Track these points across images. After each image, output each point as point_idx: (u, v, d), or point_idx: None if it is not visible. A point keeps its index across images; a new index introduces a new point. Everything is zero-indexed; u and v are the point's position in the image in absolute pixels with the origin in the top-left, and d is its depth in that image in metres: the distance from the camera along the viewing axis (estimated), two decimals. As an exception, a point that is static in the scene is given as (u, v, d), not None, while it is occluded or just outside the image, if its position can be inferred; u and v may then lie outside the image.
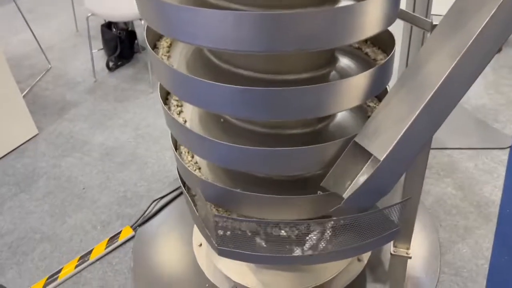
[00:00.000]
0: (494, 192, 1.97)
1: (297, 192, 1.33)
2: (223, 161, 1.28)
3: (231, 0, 1.14)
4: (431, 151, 1.86)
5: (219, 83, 1.08)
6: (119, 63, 3.29)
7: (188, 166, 1.42)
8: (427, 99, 1.07)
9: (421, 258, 1.70)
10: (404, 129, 1.09)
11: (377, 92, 1.24)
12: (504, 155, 2.17)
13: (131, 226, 1.94)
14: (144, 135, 2.55)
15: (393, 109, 1.14)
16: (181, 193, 2.09)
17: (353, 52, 1.40)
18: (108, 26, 3.24)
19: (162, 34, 1.35)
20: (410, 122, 1.08)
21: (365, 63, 1.35)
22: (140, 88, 3.01)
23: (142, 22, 2.85)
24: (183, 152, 1.54)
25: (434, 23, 1.21)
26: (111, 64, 3.25)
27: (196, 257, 1.78)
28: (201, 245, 1.81)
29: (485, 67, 1.11)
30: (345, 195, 1.19)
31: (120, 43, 3.23)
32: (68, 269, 1.79)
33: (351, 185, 1.19)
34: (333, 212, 1.20)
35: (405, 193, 1.44)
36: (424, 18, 1.27)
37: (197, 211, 1.39)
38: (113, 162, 2.36)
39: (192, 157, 1.50)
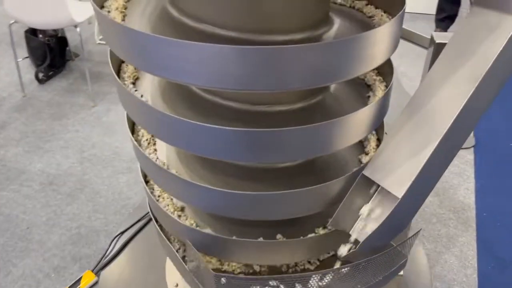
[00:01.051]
0: (468, 195, 1.97)
1: (297, 228, 1.20)
2: (214, 208, 1.11)
3: (217, 25, 0.97)
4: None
5: (205, 125, 0.91)
6: (50, 73, 2.94)
7: (166, 206, 1.24)
8: (447, 129, 0.97)
9: (413, 274, 1.64)
10: (423, 163, 0.99)
11: (379, 124, 1.13)
12: (469, 155, 2.19)
13: (92, 270, 1.70)
14: (91, 158, 2.27)
15: (405, 140, 1.03)
16: (145, 225, 1.87)
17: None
18: (33, 32, 2.87)
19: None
20: (429, 155, 0.98)
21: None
22: (79, 102, 2.70)
23: (78, 28, 2.54)
24: (155, 186, 1.33)
25: (437, 41, 1.11)
26: (41, 75, 2.89)
27: (174, 300, 1.60)
28: (177, 285, 1.62)
29: (503, 86, 1.04)
30: (358, 236, 1.07)
31: (50, 51, 2.88)
32: (22, 332, 1.53)
33: (364, 225, 1.08)
34: (345, 257, 1.08)
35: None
36: (423, 35, 1.18)
37: (183, 261, 1.21)
38: (59, 193, 2.07)
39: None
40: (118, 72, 1.21)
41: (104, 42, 3.28)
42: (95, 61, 3.10)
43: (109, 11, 1.08)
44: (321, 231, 1.18)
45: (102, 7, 1.10)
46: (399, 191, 1.00)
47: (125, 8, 1.10)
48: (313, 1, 1.00)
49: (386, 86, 1.16)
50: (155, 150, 1.23)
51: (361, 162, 1.19)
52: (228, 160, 0.99)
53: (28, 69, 2.97)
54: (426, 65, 1.17)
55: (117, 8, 1.07)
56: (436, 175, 1.07)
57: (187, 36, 1.00)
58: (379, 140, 1.27)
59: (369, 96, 1.18)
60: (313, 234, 1.17)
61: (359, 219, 1.09)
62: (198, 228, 1.17)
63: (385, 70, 1.16)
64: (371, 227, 1.05)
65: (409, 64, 2.54)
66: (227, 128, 0.92)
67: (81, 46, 2.67)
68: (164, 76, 0.91)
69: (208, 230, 1.17)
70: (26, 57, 2.99)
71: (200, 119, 1.07)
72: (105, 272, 1.71)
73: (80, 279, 1.68)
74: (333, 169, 1.21)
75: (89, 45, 3.26)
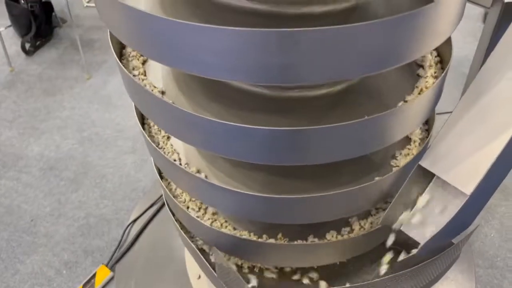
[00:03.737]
0: (503, 159, 1.83)
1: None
2: (239, 212, 0.96)
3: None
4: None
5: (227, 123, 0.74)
6: (37, 43, 2.71)
7: (191, 211, 1.09)
8: (526, 113, 0.81)
9: (452, 253, 1.53)
10: (497, 155, 0.83)
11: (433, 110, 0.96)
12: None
13: (107, 265, 1.58)
14: (92, 138, 2.10)
15: (472, 127, 0.86)
16: (158, 210, 1.74)
17: None
18: (14, -2, 2.61)
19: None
20: (504, 145, 0.82)
21: None
22: (72, 74, 2.49)
23: (62, -7, 2.28)
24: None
25: (506, 0, 0.92)
26: (27, 46, 2.66)
27: (197, 292, 1.49)
28: (200, 277, 1.51)
29: None
30: (415, 234, 0.93)
31: (34, 19, 2.63)
32: (38, 338, 1.43)
33: (423, 222, 0.93)
34: (401, 262, 0.94)
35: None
36: (484, -8, 0.98)
37: (212, 269, 1.08)
38: (61, 178, 1.92)
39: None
40: (121, 52, 1.02)
41: (92, 5, 3.02)
42: (85, 27, 2.86)
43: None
44: (361, 228, 1.05)
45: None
46: (468, 187, 0.84)
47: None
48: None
49: (443, 68, 0.98)
50: (172, 145, 1.06)
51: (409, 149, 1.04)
52: (266, 163, 0.83)
53: (12, 40, 2.73)
54: (487, 31, 0.98)
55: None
56: (508, 166, 0.91)
57: (205, 11, 0.81)
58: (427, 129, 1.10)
59: (418, 75, 1.00)
60: (346, 236, 1.03)
61: (415, 215, 0.95)
62: (226, 231, 1.03)
63: (442, 46, 0.98)
64: (433, 227, 0.90)
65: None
66: (261, 128, 0.75)
67: (68, 10, 2.42)
68: (186, 69, 0.73)
69: (242, 234, 1.04)
70: (9, 26, 2.74)
71: (228, 112, 0.90)
72: (120, 266, 1.59)
73: (94, 275, 1.56)
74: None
75: (77, 9, 2.99)
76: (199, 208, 1.10)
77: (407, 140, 1.07)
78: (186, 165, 1.00)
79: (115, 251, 1.61)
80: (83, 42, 2.59)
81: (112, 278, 1.55)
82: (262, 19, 0.79)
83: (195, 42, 0.66)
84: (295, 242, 1.02)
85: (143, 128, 1.05)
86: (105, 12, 0.78)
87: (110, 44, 0.92)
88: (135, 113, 1.06)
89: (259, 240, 1.03)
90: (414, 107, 0.85)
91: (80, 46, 2.43)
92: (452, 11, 0.75)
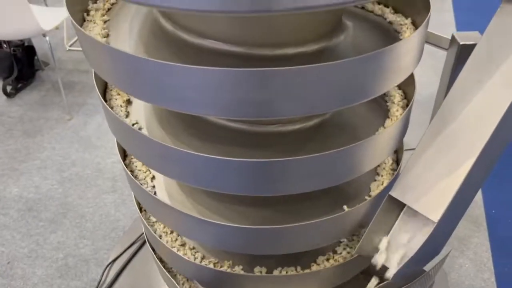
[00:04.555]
0: (474, 192, 1.90)
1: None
2: (222, 243, 0.99)
3: (221, 39, 0.84)
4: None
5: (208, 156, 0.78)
6: (19, 86, 2.73)
7: (171, 246, 1.10)
8: (485, 141, 0.87)
9: (429, 284, 1.55)
10: (461, 182, 0.88)
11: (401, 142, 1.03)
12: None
13: (85, 306, 1.56)
14: (72, 178, 2.10)
15: (438, 156, 0.92)
16: (138, 249, 1.73)
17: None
18: (-4, 42, 2.65)
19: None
20: (467, 172, 0.88)
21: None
22: (53, 116, 2.51)
23: (46, 37, 2.34)
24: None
25: (461, 42, 1.01)
26: (9, 89, 2.68)
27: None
28: (180, 316, 1.49)
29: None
30: (389, 264, 0.97)
31: (17, 62, 2.67)
32: None
33: (395, 250, 0.97)
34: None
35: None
36: (441, 35, 1.07)
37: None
38: (40, 219, 1.91)
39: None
40: (105, 90, 1.06)
41: (75, 48, 3.08)
42: (67, 70, 2.90)
43: (93, 21, 0.94)
44: (338, 259, 1.08)
45: (83, 20, 0.95)
46: (436, 215, 0.89)
47: (106, 21, 0.95)
48: (328, 10, 0.88)
49: (407, 101, 1.05)
50: (153, 177, 1.09)
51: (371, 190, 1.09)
52: (240, 194, 0.86)
53: (-6, 83, 2.75)
54: (447, 70, 1.07)
55: (99, 21, 0.92)
56: (474, 191, 0.97)
57: (185, 54, 0.87)
58: (397, 160, 1.16)
59: (387, 108, 1.07)
60: (329, 264, 1.06)
61: (388, 243, 0.99)
62: (206, 264, 1.05)
63: (406, 82, 1.05)
64: (406, 254, 0.94)
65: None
66: (236, 159, 0.79)
67: (50, 54, 2.47)
68: (164, 106, 0.78)
69: (213, 265, 1.05)
70: (-9, 69, 2.76)
71: (206, 146, 0.94)
72: (99, 307, 1.57)
73: (72, 317, 1.53)
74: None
75: (59, 52, 3.05)
76: (177, 242, 1.12)
77: (379, 170, 1.12)
78: (160, 195, 1.03)
79: (94, 292, 1.59)
80: (64, 85, 2.63)
81: (90, 320, 1.52)
82: (238, 60, 0.85)
83: (175, 80, 0.71)
84: (274, 274, 1.04)
85: (125, 164, 1.08)
86: (89, 53, 0.82)
87: (94, 83, 0.96)
88: (116, 151, 1.09)
89: (237, 272, 1.04)
90: (381, 139, 0.90)
91: (62, 88, 2.46)
92: (411, 52, 0.82)
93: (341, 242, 1.11)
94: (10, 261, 1.74)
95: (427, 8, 0.89)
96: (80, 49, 0.91)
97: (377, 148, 0.91)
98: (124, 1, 0.65)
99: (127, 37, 0.91)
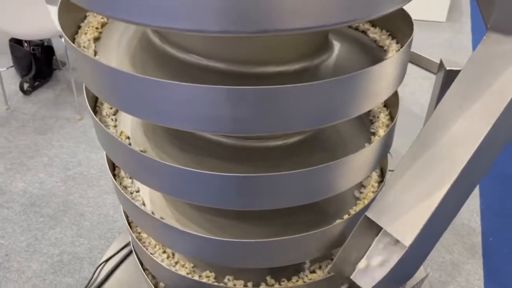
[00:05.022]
0: (473, 218, 1.87)
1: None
2: (203, 255, 1.00)
3: (205, 55, 0.86)
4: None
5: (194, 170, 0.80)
6: (35, 84, 2.82)
7: (152, 252, 1.13)
8: (460, 171, 0.87)
9: (416, 308, 1.54)
10: (434, 207, 0.88)
11: (386, 155, 1.03)
12: (473, 173, 2.09)
13: (74, 303, 1.59)
14: (76, 176, 2.16)
15: (414, 181, 0.92)
16: (131, 252, 1.76)
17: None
18: (18, 41, 2.75)
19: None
20: (440, 199, 0.88)
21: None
22: (65, 115, 2.58)
23: (63, 39, 2.42)
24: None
25: (447, 67, 1.01)
26: (26, 86, 2.77)
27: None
28: (164, 320, 1.51)
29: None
30: (361, 283, 0.97)
31: (35, 61, 2.76)
32: None
33: (368, 273, 0.97)
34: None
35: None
36: (431, 59, 1.07)
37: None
38: (41, 215, 1.96)
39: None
40: (95, 103, 1.10)
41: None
42: (83, 71, 2.98)
43: (85, 33, 0.97)
44: (315, 276, 1.08)
45: (75, 33, 0.99)
46: (407, 239, 0.89)
47: (100, 33, 0.99)
48: (312, 34, 0.90)
49: (391, 119, 1.06)
50: (138, 191, 1.12)
51: (358, 199, 1.09)
52: (219, 207, 0.88)
53: (13, 80, 2.85)
54: (434, 93, 1.07)
55: (91, 35, 0.96)
56: (448, 219, 0.96)
57: (170, 67, 0.89)
58: (381, 175, 1.16)
59: (371, 124, 1.08)
60: (308, 280, 1.07)
61: (362, 263, 0.99)
62: (183, 273, 1.06)
63: (390, 101, 1.06)
64: (376, 276, 0.94)
65: (419, 87, 2.43)
66: (214, 173, 0.81)
67: (66, 54, 2.55)
68: (143, 118, 0.80)
69: (200, 276, 1.07)
70: (11, 66, 2.87)
71: (189, 158, 0.96)
72: (87, 306, 1.59)
73: (60, 313, 1.56)
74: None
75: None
76: (165, 253, 1.14)
77: (362, 190, 1.13)
78: (145, 207, 1.05)
79: (83, 290, 1.62)
80: (77, 85, 2.69)
81: (77, 318, 1.55)
82: (220, 76, 0.87)
83: (154, 94, 0.73)
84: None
85: (114, 176, 1.12)
86: (79, 66, 0.86)
87: (85, 97, 1.00)
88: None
89: (216, 284, 1.06)
90: (359, 159, 0.91)
91: (74, 88, 2.53)
92: (389, 74, 0.83)
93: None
94: (8, 253, 1.79)
95: (410, 30, 0.90)
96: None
97: (354, 167, 0.91)
98: (101, 14, 0.68)
99: (115, 49, 0.94)
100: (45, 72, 2.87)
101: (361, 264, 0.98)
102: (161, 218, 1.02)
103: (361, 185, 1.13)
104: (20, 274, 1.71)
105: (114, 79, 0.75)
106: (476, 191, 2.00)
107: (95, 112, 1.06)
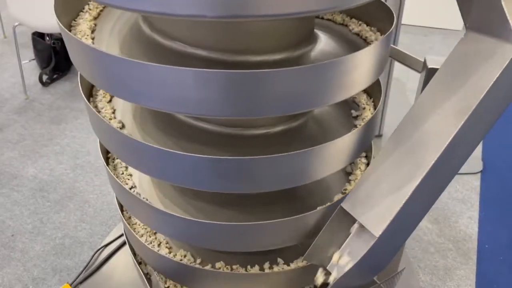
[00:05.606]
0: (470, 225, 1.86)
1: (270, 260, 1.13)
2: (184, 237, 1.04)
3: (189, 43, 0.90)
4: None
5: (179, 153, 0.85)
6: (54, 76, 2.93)
7: (141, 235, 1.18)
8: (431, 165, 0.89)
9: (404, 309, 1.54)
10: (404, 201, 0.90)
11: (367, 146, 1.05)
12: (476, 181, 2.07)
13: (71, 284, 1.65)
14: (84, 165, 2.24)
15: (388, 173, 0.95)
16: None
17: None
18: (40, 34, 2.87)
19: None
20: (410, 192, 0.90)
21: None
22: (79, 107, 2.68)
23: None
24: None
25: (429, 66, 1.03)
26: (45, 78, 2.88)
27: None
28: (155, 305, 1.56)
29: (498, 118, 0.95)
30: (333, 271, 0.99)
31: (55, 54, 2.87)
32: None
33: (340, 259, 0.99)
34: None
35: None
36: (416, 58, 1.09)
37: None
38: (48, 200, 2.04)
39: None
40: (91, 92, 1.16)
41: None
42: (100, 66, 3.08)
43: (81, 22, 1.03)
44: (299, 264, 1.11)
45: (71, 24, 1.05)
46: (377, 230, 0.91)
47: (95, 24, 1.05)
48: (293, 21, 0.93)
49: (375, 107, 1.08)
50: (130, 175, 1.17)
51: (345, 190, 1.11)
52: (196, 188, 0.92)
53: (33, 71, 2.97)
54: (419, 91, 1.09)
55: (86, 25, 1.02)
56: (419, 213, 0.98)
57: (156, 54, 0.94)
58: (368, 164, 1.18)
59: (357, 116, 1.10)
60: (291, 267, 1.09)
61: (337, 255, 1.01)
62: (168, 256, 1.11)
63: (374, 90, 1.08)
64: (347, 265, 0.96)
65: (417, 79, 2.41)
66: (193, 155, 0.85)
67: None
68: (126, 99, 0.85)
69: (178, 258, 1.11)
70: (33, 59, 2.99)
71: (172, 141, 1.00)
72: (82, 287, 1.66)
73: (57, 292, 1.63)
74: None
75: (96, 49, 3.24)
76: (148, 234, 1.19)
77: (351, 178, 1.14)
78: (134, 190, 1.10)
79: (81, 272, 1.68)
80: (94, 79, 2.79)
81: (73, 297, 1.62)
82: (202, 63, 0.91)
83: (128, 74, 0.78)
84: (233, 271, 1.09)
85: (107, 163, 1.17)
86: (71, 52, 0.91)
87: (79, 85, 1.06)
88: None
89: (192, 265, 1.09)
90: (337, 146, 0.92)
91: (90, 81, 2.62)
92: (365, 64, 0.85)
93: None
94: (14, 234, 1.88)
95: (391, 22, 0.92)
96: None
97: (332, 154, 0.93)
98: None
99: (107, 37, 1.00)
100: (63, 65, 2.98)
101: (335, 256, 1.00)
102: (146, 199, 1.07)
103: (348, 179, 1.15)
104: (24, 254, 1.79)
105: (93, 59, 0.80)
106: (477, 199, 1.98)
107: (89, 99, 1.12)
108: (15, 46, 2.66)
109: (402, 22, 2.12)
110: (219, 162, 0.86)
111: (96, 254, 1.75)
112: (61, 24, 0.88)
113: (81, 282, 1.66)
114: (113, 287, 1.65)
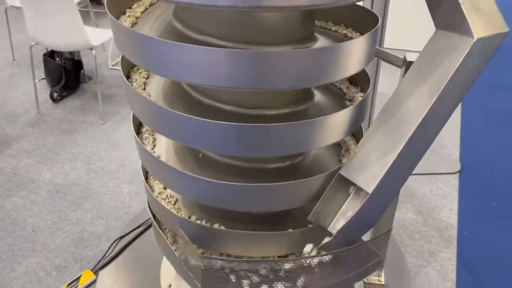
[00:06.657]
0: (451, 216, 2.07)
1: (280, 226, 1.32)
2: (202, 197, 1.23)
3: (216, 36, 1.13)
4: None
5: (203, 119, 1.06)
6: (64, 93, 3.13)
7: (163, 200, 1.36)
8: (410, 135, 1.11)
9: (394, 285, 1.73)
10: (390, 163, 1.11)
11: (356, 128, 1.27)
12: (454, 179, 2.30)
13: (92, 270, 1.81)
14: (97, 170, 2.41)
15: (377, 143, 1.16)
16: (143, 232, 1.98)
17: (327, 86, 1.41)
18: (51, 55, 3.09)
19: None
20: (395, 156, 1.11)
21: (337, 97, 1.37)
22: (89, 120, 2.87)
23: (93, 51, 2.75)
24: (154, 185, 1.46)
25: (408, 59, 1.26)
26: (55, 95, 3.08)
27: (166, 299, 1.69)
28: (170, 286, 1.72)
29: (459, 103, 1.18)
30: (333, 229, 1.19)
31: (65, 73, 3.08)
32: (22, 323, 1.62)
33: (339, 218, 1.19)
34: (321, 247, 1.19)
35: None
36: (397, 55, 1.33)
37: (175, 250, 1.32)
38: (65, 200, 2.20)
39: (165, 188, 1.43)
40: (128, 77, 1.36)
41: (116, 68, 3.49)
42: (107, 84, 3.30)
43: (125, 19, 1.26)
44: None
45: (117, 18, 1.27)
46: (370, 187, 1.12)
47: (136, 22, 1.27)
48: (300, 22, 1.17)
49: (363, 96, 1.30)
50: (154, 145, 1.37)
51: (341, 162, 1.32)
52: (218, 152, 1.12)
53: (43, 90, 3.17)
54: (400, 80, 1.32)
55: (129, 20, 1.24)
56: (403, 174, 1.19)
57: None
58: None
59: (351, 100, 1.32)
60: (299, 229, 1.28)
61: (337, 215, 1.21)
62: (187, 218, 1.29)
63: (363, 82, 1.31)
64: (345, 220, 1.16)
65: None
66: (218, 122, 1.06)
67: (95, 69, 2.87)
68: (161, 74, 1.07)
69: (196, 220, 1.29)
70: (42, 79, 3.19)
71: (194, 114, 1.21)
72: (103, 272, 1.81)
73: (79, 277, 1.78)
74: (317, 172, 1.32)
75: (103, 69, 3.46)
76: (168, 201, 1.37)
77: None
78: (158, 156, 1.29)
79: (100, 259, 1.84)
80: (103, 96, 3.00)
81: (94, 281, 1.77)
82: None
83: (165, 54, 1.00)
84: (241, 231, 1.27)
85: (137, 134, 1.37)
86: (117, 37, 1.13)
87: (120, 67, 1.27)
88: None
89: (207, 225, 1.27)
90: (332, 121, 1.13)
91: (100, 98, 2.83)
92: (351, 54, 1.07)
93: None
94: (35, 229, 2.03)
95: (375, 23, 1.16)
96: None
97: (327, 128, 1.14)
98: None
99: (146, 32, 1.22)
100: (73, 84, 3.19)
101: (335, 214, 1.20)
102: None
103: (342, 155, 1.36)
104: (45, 246, 1.94)
105: (136, 42, 1.02)
106: (456, 195, 2.20)
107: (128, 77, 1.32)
108: (31, 63, 2.87)
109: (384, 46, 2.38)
110: (243, 128, 1.06)
111: (114, 245, 1.92)
112: (112, 16, 1.10)
113: (101, 268, 1.81)
114: (130, 272, 1.81)
